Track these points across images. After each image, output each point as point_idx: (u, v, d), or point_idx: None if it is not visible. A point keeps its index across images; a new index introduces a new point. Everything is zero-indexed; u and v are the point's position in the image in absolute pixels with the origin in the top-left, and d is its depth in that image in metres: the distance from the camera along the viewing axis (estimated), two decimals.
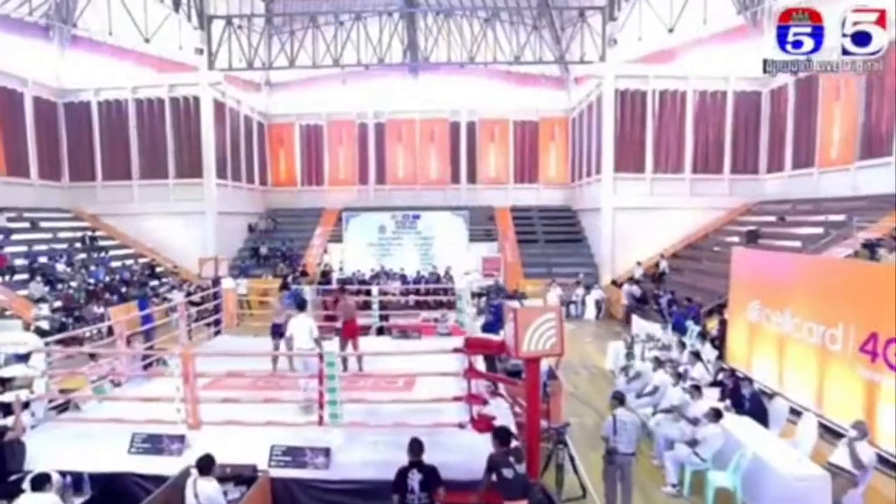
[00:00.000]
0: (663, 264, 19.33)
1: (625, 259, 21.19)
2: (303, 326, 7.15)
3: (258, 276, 22.11)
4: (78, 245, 19.95)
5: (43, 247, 18.49)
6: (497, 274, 14.21)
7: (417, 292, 20.33)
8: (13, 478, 5.74)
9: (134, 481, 5.73)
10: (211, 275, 18.45)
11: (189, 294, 17.83)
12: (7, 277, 15.85)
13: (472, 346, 5.68)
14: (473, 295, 10.40)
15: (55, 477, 5.60)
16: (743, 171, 21.07)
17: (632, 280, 18.69)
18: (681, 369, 8.91)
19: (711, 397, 8.04)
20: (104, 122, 23.04)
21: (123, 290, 17.91)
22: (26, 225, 19.40)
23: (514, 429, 6.01)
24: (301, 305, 7.55)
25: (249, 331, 12.35)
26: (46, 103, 22.15)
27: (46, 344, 10.06)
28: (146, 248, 22.54)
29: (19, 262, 16.88)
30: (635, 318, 14.14)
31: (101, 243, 21.24)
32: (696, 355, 9.56)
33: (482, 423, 5.71)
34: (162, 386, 6.22)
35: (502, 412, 6.04)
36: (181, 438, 6.04)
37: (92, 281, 17.37)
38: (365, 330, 11.92)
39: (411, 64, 25.70)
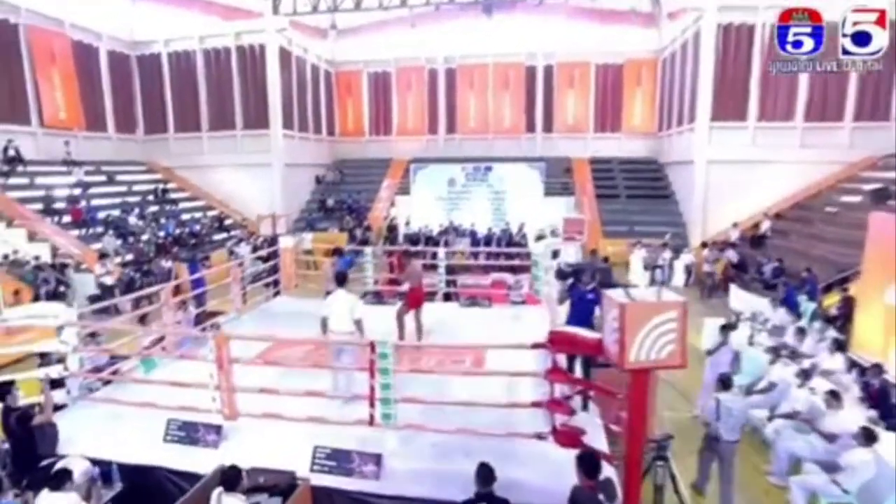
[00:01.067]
0: (766, 226, 17.09)
1: (717, 219, 19.01)
2: (340, 304, 6.16)
3: (324, 229, 21.72)
4: (150, 198, 20.12)
5: (117, 200, 18.69)
6: (580, 238, 12.60)
7: (488, 253, 19.15)
8: (45, 462, 5.25)
9: (166, 476, 5.09)
10: (269, 232, 18.03)
11: (256, 248, 17.60)
12: (83, 231, 16.06)
13: (556, 343, 4.52)
14: (561, 275, 9.02)
15: (84, 467, 5.06)
16: (870, 117, 17.99)
17: (724, 244, 16.65)
18: (806, 364, 7.31)
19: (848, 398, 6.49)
20: (174, 73, 22.93)
21: (192, 242, 17.92)
22: (103, 178, 19.67)
23: (604, 444, 4.87)
24: (340, 279, 6.51)
25: (309, 293, 11.69)
26: (120, 56, 22.20)
27: (104, 309, 9.79)
28: (216, 201, 22.58)
29: (97, 214, 17.07)
30: (734, 290, 12.35)
31: (173, 196, 21.40)
32: (840, 345, 7.87)
33: (566, 437, 4.61)
34: (198, 369, 5.50)
35: (591, 422, 4.89)
36: (217, 429, 5.35)
37: (162, 234, 17.40)
38: (430, 295, 11.01)
39: (485, 2, 23.69)
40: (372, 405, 5.04)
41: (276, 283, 11.33)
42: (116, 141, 22.05)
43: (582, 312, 5.56)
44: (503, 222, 20.40)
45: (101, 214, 17.17)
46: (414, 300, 8.11)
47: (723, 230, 18.42)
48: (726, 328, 8.27)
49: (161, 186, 21.08)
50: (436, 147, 25.81)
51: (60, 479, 4.57)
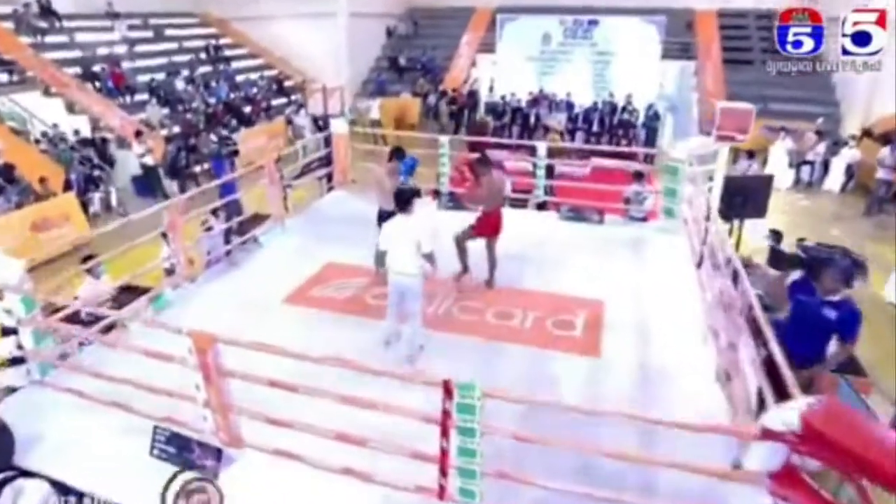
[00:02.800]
0: None
1: (889, 100, 14.61)
2: (403, 236, 4.26)
3: (396, 93, 19.06)
4: (202, 56, 17.84)
5: (163, 60, 16.52)
6: (742, 139, 8.73)
7: (589, 129, 16.07)
8: None
9: None
10: (319, 112, 15.64)
11: (317, 120, 15.44)
12: (126, 99, 14.23)
13: (812, 444, 2.20)
14: (781, 260, 6.18)
15: (40, 496, 3.55)
16: None
17: None
18: None
19: None
20: None
21: (247, 109, 15.94)
22: (149, 34, 17.41)
23: None
24: (403, 200, 4.38)
25: (370, 187, 9.51)
26: None
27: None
28: (274, 59, 20.11)
29: (141, 78, 15.13)
30: None
31: (227, 53, 18.98)
32: None
33: None
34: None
35: None
36: (216, 453, 3.61)
37: (213, 101, 15.39)
38: (521, 203, 8.57)
39: None
40: (443, 473, 3.06)
41: (329, 176, 9.22)
42: None
43: (804, 335, 3.09)
44: (606, 92, 16.90)
45: (145, 78, 15.16)
46: (489, 227, 5.68)
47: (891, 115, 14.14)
48: None
49: (213, 43, 18.64)
50: None
51: None
